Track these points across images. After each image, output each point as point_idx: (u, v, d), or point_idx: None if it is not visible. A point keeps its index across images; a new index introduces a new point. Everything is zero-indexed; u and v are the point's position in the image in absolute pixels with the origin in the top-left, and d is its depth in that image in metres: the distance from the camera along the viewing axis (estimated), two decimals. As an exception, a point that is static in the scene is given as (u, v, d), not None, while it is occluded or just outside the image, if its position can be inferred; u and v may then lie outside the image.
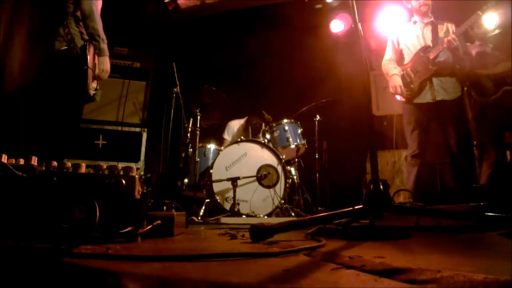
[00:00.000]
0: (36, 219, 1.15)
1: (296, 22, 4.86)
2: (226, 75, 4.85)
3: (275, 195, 3.41)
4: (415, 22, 3.38)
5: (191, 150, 3.73)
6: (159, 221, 1.36)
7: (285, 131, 3.70)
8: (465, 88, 3.74)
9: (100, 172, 1.30)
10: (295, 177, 3.76)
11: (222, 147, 3.67)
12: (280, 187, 3.45)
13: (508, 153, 3.57)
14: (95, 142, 3.72)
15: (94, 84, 2.48)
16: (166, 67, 3.94)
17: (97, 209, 1.15)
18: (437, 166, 3.89)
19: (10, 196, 1.16)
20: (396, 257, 0.82)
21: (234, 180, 3.20)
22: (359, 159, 4.61)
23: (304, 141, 3.76)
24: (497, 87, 3.34)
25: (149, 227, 1.28)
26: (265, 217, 3.24)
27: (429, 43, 3.23)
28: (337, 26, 5.02)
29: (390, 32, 3.59)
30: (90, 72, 2.37)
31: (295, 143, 3.68)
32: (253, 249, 1.13)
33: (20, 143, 2.14)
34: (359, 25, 1.48)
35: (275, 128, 3.76)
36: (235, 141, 3.61)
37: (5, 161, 1.23)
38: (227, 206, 3.29)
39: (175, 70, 3.80)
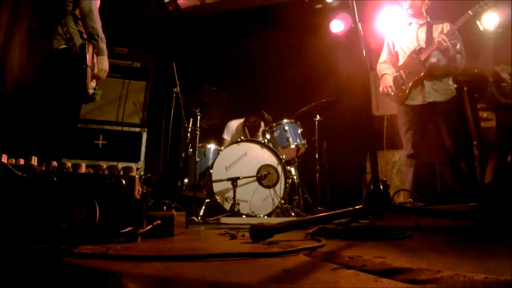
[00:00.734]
0: (36, 219, 1.15)
1: (296, 22, 4.85)
2: (226, 75, 4.85)
3: (275, 195, 3.41)
4: (410, 24, 3.38)
5: (191, 150, 3.73)
6: (159, 221, 1.36)
7: (285, 131, 3.70)
8: (465, 88, 3.75)
9: (100, 172, 1.30)
10: (295, 177, 3.76)
11: (222, 147, 3.67)
12: (280, 187, 3.45)
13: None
14: (95, 142, 3.72)
15: (93, 84, 2.48)
16: (166, 67, 3.94)
17: (97, 209, 1.15)
18: (437, 166, 3.90)
19: (10, 196, 1.16)
20: (396, 257, 0.82)
21: (234, 180, 3.20)
22: (359, 159, 4.61)
23: (304, 141, 3.76)
24: None
25: (149, 227, 1.28)
26: (265, 217, 3.24)
27: (423, 44, 3.23)
28: (337, 26, 5.01)
29: (386, 34, 3.60)
30: (89, 71, 2.36)
31: (295, 143, 3.68)
32: (253, 249, 1.13)
33: (20, 143, 2.14)
34: (359, 25, 1.48)
35: (275, 128, 3.76)
36: (235, 141, 3.61)
37: (5, 161, 1.23)
38: (227, 206, 3.29)
39: (175, 70, 3.80)
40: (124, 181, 1.24)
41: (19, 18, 2.50)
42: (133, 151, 3.83)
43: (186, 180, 3.66)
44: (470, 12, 3.00)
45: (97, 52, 2.47)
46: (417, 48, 3.23)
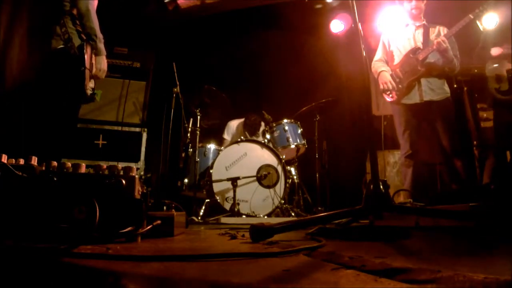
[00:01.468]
0: (36, 219, 1.15)
1: (296, 22, 4.86)
2: (226, 75, 4.85)
3: (275, 195, 3.41)
4: (407, 25, 3.40)
5: (191, 150, 3.73)
6: (159, 221, 1.36)
7: (285, 131, 3.70)
8: (465, 88, 3.74)
9: (100, 172, 1.30)
10: (295, 177, 3.76)
11: (222, 147, 3.67)
12: (280, 187, 3.45)
13: (508, 153, 3.57)
14: (95, 142, 3.72)
15: (91, 84, 2.49)
16: (166, 67, 3.94)
17: (97, 209, 1.15)
18: (437, 166, 3.90)
19: (10, 196, 1.16)
20: (396, 257, 0.82)
21: (234, 180, 3.20)
22: (359, 159, 4.61)
23: (304, 141, 3.76)
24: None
25: (149, 227, 1.28)
26: (265, 217, 3.24)
27: (420, 45, 3.24)
28: (337, 26, 5.02)
29: (382, 34, 3.61)
30: (87, 72, 2.37)
31: (295, 143, 3.68)
32: (253, 249, 1.13)
33: (20, 143, 2.14)
34: (359, 25, 1.48)
35: (275, 128, 3.76)
36: (235, 141, 3.61)
37: (5, 161, 1.23)
38: (227, 206, 3.29)
39: (175, 70, 3.80)
40: (124, 181, 1.24)
41: (19, 18, 2.50)
42: (133, 151, 3.83)
43: (186, 180, 3.66)
44: (471, 16, 3.01)
45: (96, 52, 2.47)
46: (414, 48, 3.24)
